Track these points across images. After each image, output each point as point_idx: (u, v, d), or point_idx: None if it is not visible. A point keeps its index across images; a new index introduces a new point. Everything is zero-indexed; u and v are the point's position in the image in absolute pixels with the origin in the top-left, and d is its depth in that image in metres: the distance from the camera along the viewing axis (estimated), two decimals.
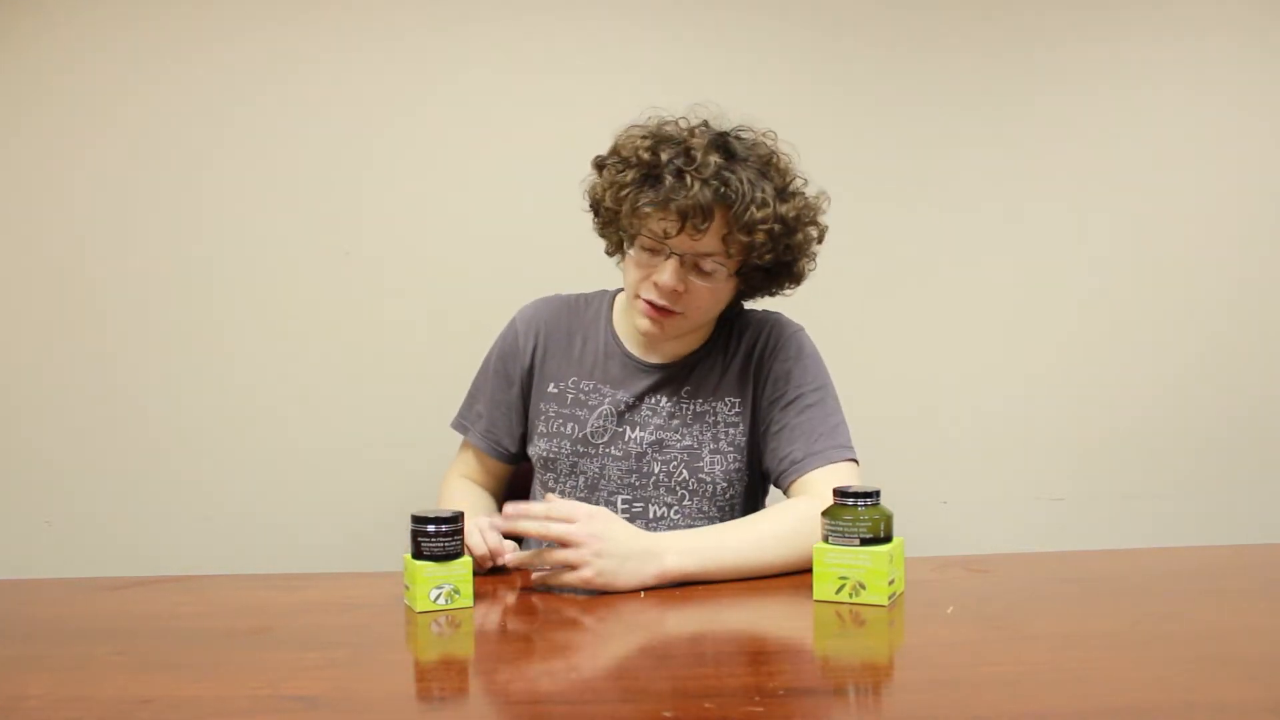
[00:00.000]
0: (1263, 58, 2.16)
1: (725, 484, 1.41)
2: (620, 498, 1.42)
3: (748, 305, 1.49)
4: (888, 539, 1.09)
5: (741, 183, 1.28)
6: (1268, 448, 2.19)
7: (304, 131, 2.05)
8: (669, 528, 1.39)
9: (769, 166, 1.34)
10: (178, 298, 2.05)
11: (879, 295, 2.14)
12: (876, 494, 1.10)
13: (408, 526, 1.11)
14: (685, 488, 1.40)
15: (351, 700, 0.84)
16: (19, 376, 2.04)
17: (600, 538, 1.13)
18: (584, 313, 1.51)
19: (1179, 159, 2.17)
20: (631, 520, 1.36)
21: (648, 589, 1.14)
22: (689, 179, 1.27)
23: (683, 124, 1.36)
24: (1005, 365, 2.16)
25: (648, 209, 1.29)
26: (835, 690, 0.88)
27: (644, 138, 1.34)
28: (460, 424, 1.53)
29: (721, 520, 1.40)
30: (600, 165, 1.39)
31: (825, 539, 1.10)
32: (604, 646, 1.02)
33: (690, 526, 1.37)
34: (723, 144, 1.33)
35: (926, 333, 2.14)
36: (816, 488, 1.31)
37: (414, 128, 2.06)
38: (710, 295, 1.35)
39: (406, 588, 1.12)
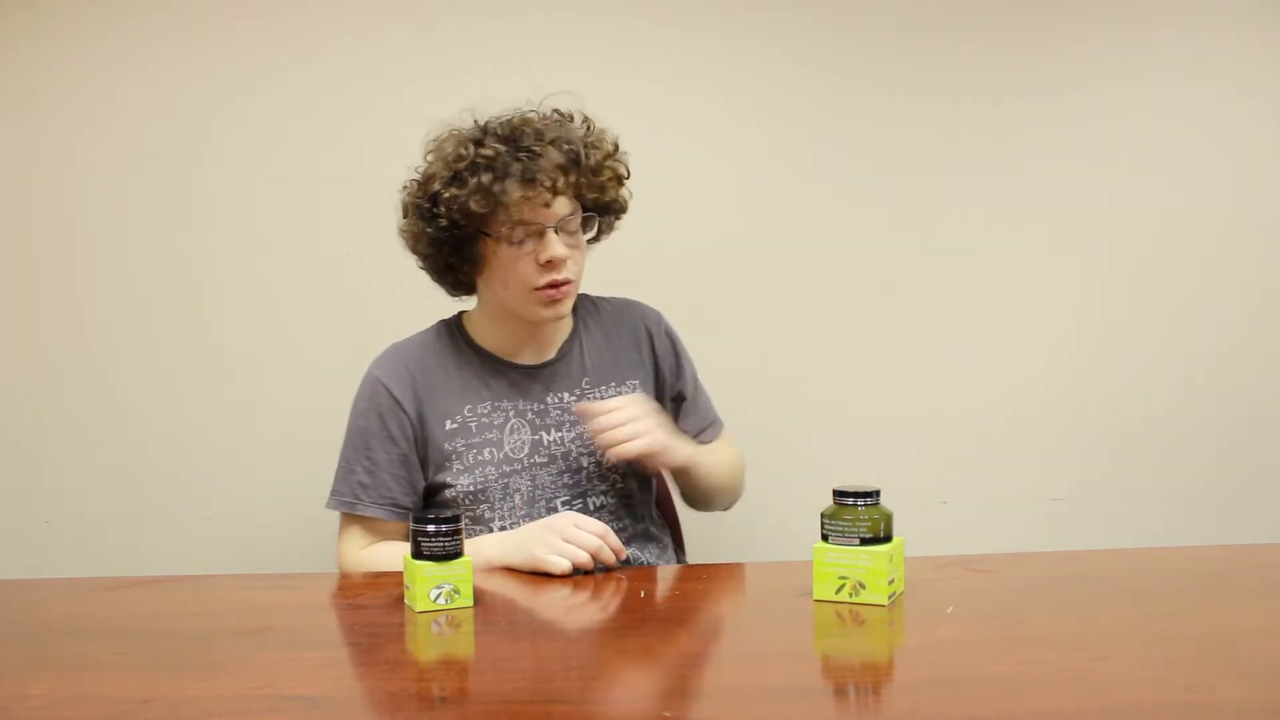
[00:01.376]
0: (1259, 49, 2.15)
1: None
2: (560, 500, 1.43)
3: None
4: (888, 539, 1.09)
5: (569, 135, 1.39)
6: (1267, 448, 2.18)
7: (303, 131, 2.05)
8: (608, 515, 1.43)
9: (594, 128, 1.44)
10: (178, 298, 2.04)
11: (879, 295, 2.13)
12: (876, 494, 1.10)
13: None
14: (616, 472, 1.46)
15: (351, 700, 0.84)
16: (19, 376, 2.04)
17: (654, 413, 1.39)
18: (435, 346, 1.49)
19: (1179, 158, 2.16)
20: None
21: (678, 466, 1.42)
22: (535, 148, 1.35)
23: (467, 129, 1.42)
24: (1005, 365, 2.15)
25: (517, 193, 1.34)
26: (835, 690, 0.88)
27: (461, 145, 1.39)
28: (344, 501, 1.42)
29: (642, 497, 1.52)
30: (426, 198, 1.40)
31: (825, 538, 1.10)
32: (604, 646, 1.02)
33: (626, 508, 1.47)
34: (522, 119, 1.41)
35: (926, 332, 2.14)
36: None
37: (415, 128, 2.06)
38: (582, 255, 1.43)
39: (407, 588, 1.12)
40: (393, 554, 1.34)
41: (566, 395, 1.46)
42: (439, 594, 1.08)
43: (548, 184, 1.34)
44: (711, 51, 2.09)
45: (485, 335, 1.49)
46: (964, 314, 2.15)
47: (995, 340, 2.15)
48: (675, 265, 2.03)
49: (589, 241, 1.49)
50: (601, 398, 1.45)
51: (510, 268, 1.38)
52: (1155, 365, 2.17)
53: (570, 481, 1.43)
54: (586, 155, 1.39)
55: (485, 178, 1.35)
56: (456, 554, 1.10)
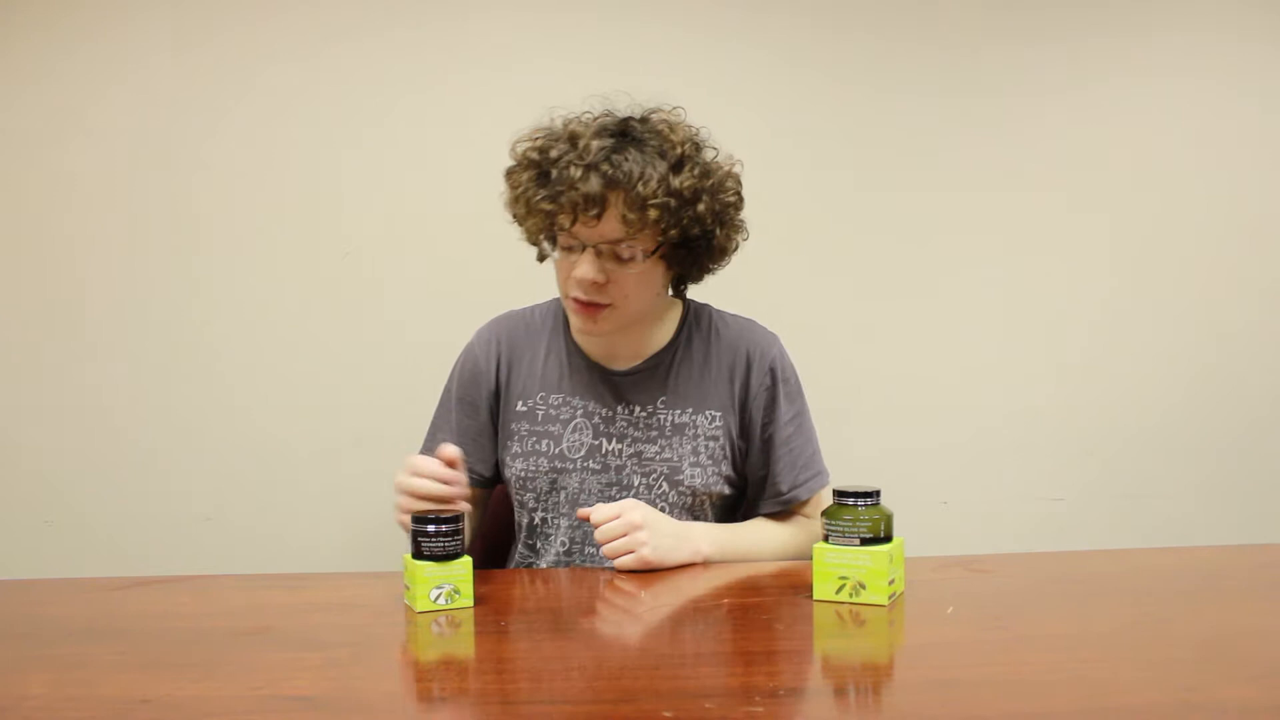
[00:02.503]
0: (1257, 50, 2.15)
1: (705, 494, 1.40)
2: None
3: (721, 304, 1.50)
4: (888, 539, 1.09)
5: (626, 161, 1.27)
6: (1268, 448, 2.19)
7: (303, 131, 2.05)
8: None
9: (664, 141, 1.32)
10: (178, 298, 2.05)
11: (879, 295, 2.13)
12: (876, 494, 1.10)
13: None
14: (665, 499, 1.39)
15: (351, 700, 0.84)
16: (19, 377, 2.04)
17: (645, 525, 1.25)
18: (539, 325, 1.49)
19: (1180, 160, 2.17)
20: None
21: (683, 566, 1.27)
22: (574, 169, 1.27)
23: (585, 117, 1.35)
24: (1006, 366, 2.16)
25: (545, 205, 1.30)
26: (835, 690, 0.88)
27: (534, 139, 1.34)
28: None
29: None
30: (507, 174, 1.38)
31: (825, 538, 1.10)
32: (604, 647, 1.02)
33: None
34: (616, 128, 1.33)
35: (926, 333, 2.14)
36: (812, 510, 1.45)
37: (414, 127, 2.06)
38: (636, 281, 1.33)
39: (407, 588, 1.12)
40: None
41: (638, 409, 1.41)
42: (439, 594, 1.08)
43: (568, 208, 1.28)
44: (709, 53, 2.09)
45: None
46: (964, 315, 2.15)
47: (996, 341, 2.15)
48: None
49: (682, 275, 1.42)
50: (675, 421, 1.40)
51: (556, 267, 1.38)
52: (1155, 366, 2.17)
53: (616, 495, 1.39)
54: (630, 186, 1.27)
55: (526, 176, 1.33)
56: (456, 554, 1.10)
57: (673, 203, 1.29)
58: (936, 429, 2.14)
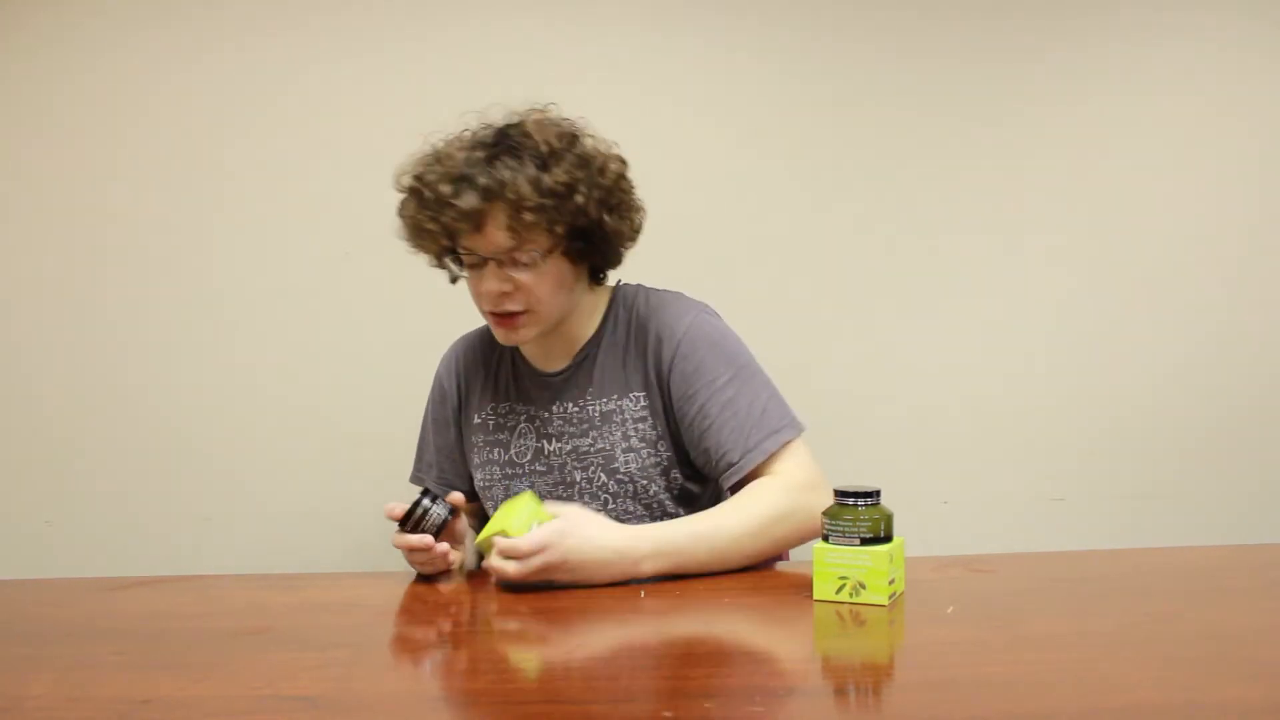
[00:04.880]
0: (1254, 63, 2.16)
1: (645, 481, 1.37)
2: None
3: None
4: (888, 539, 1.09)
5: (495, 169, 1.27)
6: (1268, 447, 2.19)
7: (304, 133, 2.05)
8: None
9: (533, 140, 1.30)
10: (178, 298, 2.05)
11: (879, 296, 2.13)
12: (876, 494, 1.10)
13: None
14: (606, 491, 1.38)
15: (351, 700, 0.84)
16: (19, 376, 2.04)
17: (571, 553, 1.15)
18: (489, 340, 1.51)
19: (1178, 164, 2.16)
20: None
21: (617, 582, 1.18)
22: (444, 186, 1.28)
23: (464, 134, 1.35)
24: (1006, 365, 2.16)
25: (430, 226, 1.30)
26: (835, 690, 0.88)
27: (412, 166, 1.35)
28: (416, 477, 1.57)
29: (651, 520, 1.37)
30: (399, 209, 1.38)
31: (825, 538, 1.10)
32: (604, 646, 1.02)
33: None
34: (491, 139, 1.32)
35: (927, 333, 2.14)
36: (773, 474, 1.31)
37: (415, 127, 2.06)
38: (545, 282, 1.32)
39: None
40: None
41: (570, 405, 1.42)
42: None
43: (453, 226, 1.29)
44: (710, 64, 2.10)
45: None
46: (964, 315, 2.15)
47: (996, 341, 2.15)
48: (675, 267, 2.03)
49: (594, 267, 1.42)
50: (603, 410, 1.39)
51: (469, 287, 1.39)
52: (1156, 367, 2.17)
53: (563, 494, 1.40)
54: (504, 192, 1.26)
55: (411, 203, 1.34)
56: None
57: (549, 201, 1.28)
58: (936, 429, 2.14)
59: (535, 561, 1.14)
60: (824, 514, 1.11)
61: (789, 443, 1.33)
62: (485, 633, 1.04)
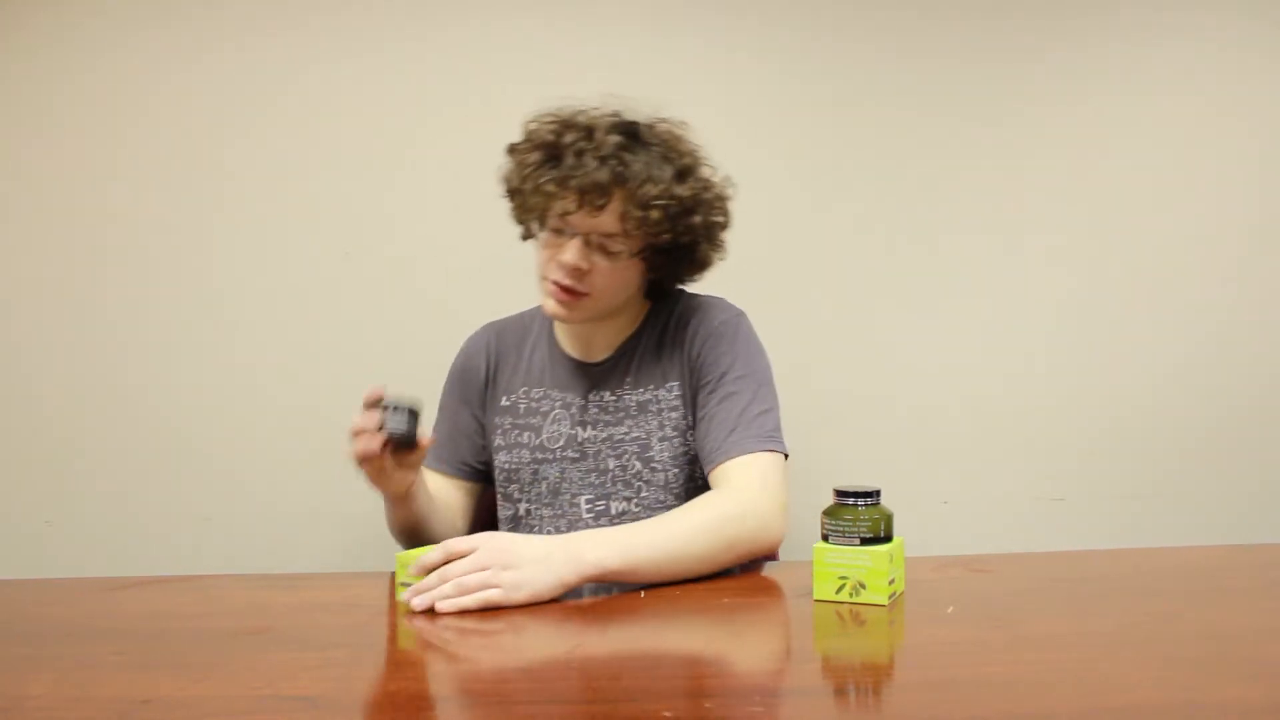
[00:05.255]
0: (1254, 63, 2.16)
1: (676, 470, 1.41)
2: (584, 498, 1.43)
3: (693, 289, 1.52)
4: (888, 539, 1.09)
5: (636, 160, 1.32)
6: (1268, 447, 2.19)
7: (304, 133, 2.05)
8: (629, 521, 1.40)
9: (671, 150, 1.37)
10: (178, 298, 2.05)
11: (879, 296, 2.14)
12: (876, 494, 1.10)
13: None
14: (640, 479, 1.41)
15: (351, 700, 0.84)
16: (19, 376, 2.04)
17: (503, 551, 1.10)
18: (528, 326, 1.55)
19: (1178, 164, 2.17)
20: (596, 519, 1.40)
21: (569, 586, 1.12)
22: (587, 158, 1.31)
23: (594, 112, 1.39)
24: (1006, 365, 2.16)
25: (550, 188, 1.32)
26: (835, 690, 0.88)
27: (550, 121, 1.37)
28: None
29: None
30: (512, 150, 1.41)
31: (825, 538, 1.10)
32: (603, 647, 1.02)
33: (651, 518, 1.29)
34: (627, 128, 1.36)
35: (927, 333, 2.14)
36: (729, 478, 1.29)
37: (414, 127, 2.06)
38: (613, 275, 1.37)
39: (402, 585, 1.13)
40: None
41: (607, 395, 1.45)
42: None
43: (573, 194, 1.31)
44: (710, 64, 2.10)
45: (559, 326, 1.52)
46: (964, 315, 2.15)
47: (996, 341, 2.15)
48: None
49: (658, 279, 1.45)
50: (639, 400, 1.42)
51: (539, 248, 1.41)
52: (1156, 367, 2.17)
53: (596, 481, 1.42)
54: (637, 185, 1.31)
55: (536, 156, 1.35)
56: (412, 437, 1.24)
57: (673, 208, 1.33)
58: (936, 429, 2.14)
59: (480, 556, 1.09)
60: (824, 514, 1.11)
61: (767, 454, 1.32)
62: (485, 633, 1.04)
